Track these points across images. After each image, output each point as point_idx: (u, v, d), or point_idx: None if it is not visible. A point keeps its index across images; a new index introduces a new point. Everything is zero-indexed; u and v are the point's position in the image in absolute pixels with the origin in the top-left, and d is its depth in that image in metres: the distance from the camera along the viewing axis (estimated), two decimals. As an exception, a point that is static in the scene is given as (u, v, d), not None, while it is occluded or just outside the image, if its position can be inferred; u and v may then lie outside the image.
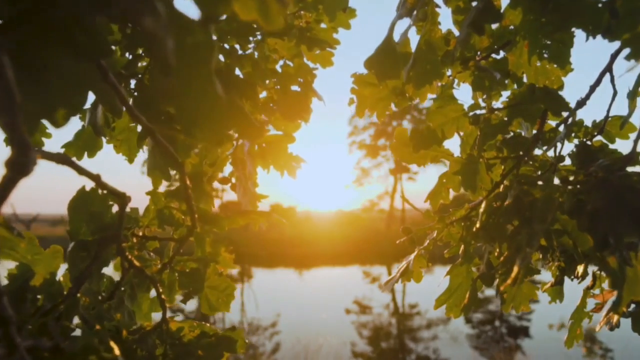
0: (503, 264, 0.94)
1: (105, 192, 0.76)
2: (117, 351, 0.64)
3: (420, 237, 1.11)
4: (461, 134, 1.13)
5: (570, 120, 1.03)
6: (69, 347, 0.62)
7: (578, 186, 0.85)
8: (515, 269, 0.74)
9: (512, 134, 1.07)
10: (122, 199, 0.78)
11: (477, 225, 0.92)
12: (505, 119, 1.07)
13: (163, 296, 0.94)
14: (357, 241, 27.93)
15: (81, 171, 0.73)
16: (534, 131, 1.13)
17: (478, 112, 1.06)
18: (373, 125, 37.87)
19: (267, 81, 1.63)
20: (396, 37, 0.97)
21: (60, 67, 0.43)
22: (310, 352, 8.75)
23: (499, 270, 0.93)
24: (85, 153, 1.19)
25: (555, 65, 0.94)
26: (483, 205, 0.94)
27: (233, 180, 1.69)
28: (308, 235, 29.65)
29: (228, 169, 1.65)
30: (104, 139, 1.21)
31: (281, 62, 1.57)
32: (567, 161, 1.12)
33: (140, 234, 1.00)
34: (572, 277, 1.27)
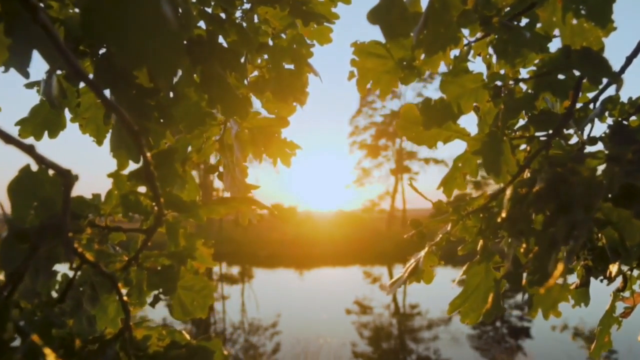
0: (533, 262, 0.78)
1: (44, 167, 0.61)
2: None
3: (432, 231, 0.96)
4: (478, 110, 0.97)
5: (607, 91, 0.88)
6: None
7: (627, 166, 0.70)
8: (560, 267, 0.59)
9: (539, 110, 0.91)
10: (67, 177, 0.63)
11: (503, 214, 0.76)
12: (531, 91, 0.91)
13: (126, 298, 0.78)
14: (358, 241, 27.78)
15: (9, 139, 0.57)
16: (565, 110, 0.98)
17: (500, 83, 0.91)
18: (374, 125, 37.71)
19: (259, 60, 1.48)
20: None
21: None
22: (311, 353, 8.60)
23: (527, 268, 0.77)
24: (46, 132, 1.04)
25: (594, 24, 0.79)
26: (508, 191, 0.78)
27: (221, 169, 1.54)
28: (308, 236, 29.51)
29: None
30: (67, 117, 1.05)
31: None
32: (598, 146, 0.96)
33: (103, 224, 0.84)
34: (602, 277, 1.12)
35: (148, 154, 0.63)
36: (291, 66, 1.38)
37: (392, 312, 13.33)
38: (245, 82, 1.36)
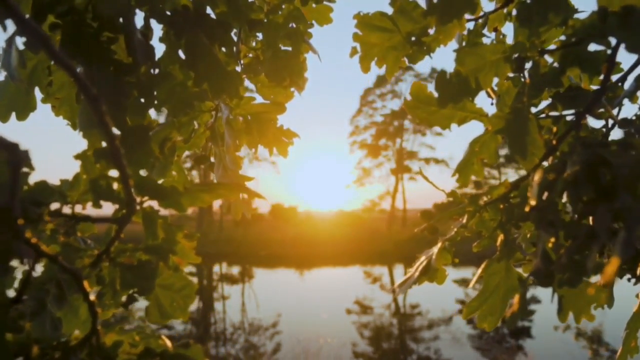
0: (565, 257, 0.67)
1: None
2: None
3: (445, 224, 0.85)
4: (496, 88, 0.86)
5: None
6: None
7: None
8: (614, 261, 0.48)
9: (565, 87, 0.81)
10: (13, 153, 0.52)
11: (532, 202, 0.65)
12: (557, 65, 0.80)
13: (94, 298, 0.67)
14: (358, 241, 27.66)
15: None
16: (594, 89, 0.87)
17: (522, 55, 0.80)
18: (374, 125, 37.58)
19: (254, 43, 1.37)
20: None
21: None
22: (311, 353, 8.49)
23: (559, 265, 0.66)
24: (13, 114, 0.93)
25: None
26: (537, 176, 0.68)
27: (213, 159, 1.43)
28: (309, 235, 29.39)
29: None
30: (38, 97, 0.94)
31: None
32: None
33: (70, 212, 0.73)
34: (630, 277, 1.01)
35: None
36: (288, 48, 1.27)
37: (393, 312, 13.22)
38: (239, 66, 1.25)
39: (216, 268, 23.62)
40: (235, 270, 22.73)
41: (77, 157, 0.71)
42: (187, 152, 1.33)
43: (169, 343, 0.72)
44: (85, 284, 0.66)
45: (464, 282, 15.45)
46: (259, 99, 1.42)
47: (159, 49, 0.98)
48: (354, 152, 39.12)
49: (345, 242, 27.49)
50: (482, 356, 9.12)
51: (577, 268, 0.71)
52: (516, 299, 0.67)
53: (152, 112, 1.01)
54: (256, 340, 10.36)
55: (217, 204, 1.33)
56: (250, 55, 1.35)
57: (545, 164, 0.83)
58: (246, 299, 15.14)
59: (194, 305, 14.46)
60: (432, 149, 36.56)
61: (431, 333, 10.82)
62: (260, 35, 1.31)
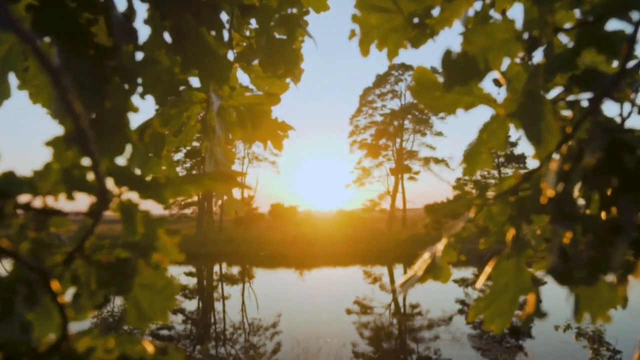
0: (584, 253, 0.61)
1: None
2: None
3: (452, 218, 0.78)
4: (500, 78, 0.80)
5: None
6: None
7: None
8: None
9: (582, 68, 0.74)
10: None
11: (550, 193, 0.59)
12: (572, 46, 0.74)
13: (63, 299, 0.61)
14: (358, 241, 27.59)
15: None
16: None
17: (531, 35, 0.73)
18: (374, 125, 37.51)
19: (248, 32, 1.31)
20: None
21: None
22: (311, 353, 8.44)
23: (579, 262, 0.60)
24: (-14, 101, 0.87)
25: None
26: (554, 164, 0.61)
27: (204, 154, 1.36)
28: (309, 235, 29.32)
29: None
30: (12, 84, 0.88)
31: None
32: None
33: (41, 206, 0.67)
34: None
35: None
36: (283, 37, 1.21)
37: (393, 312, 13.16)
38: (231, 53, 1.19)
39: (216, 268, 23.56)
40: (235, 270, 22.66)
41: (48, 143, 0.65)
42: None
43: (150, 348, 0.65)
44: (55, 283, 0.60)
45: (463, 282, 15.39)
46: (253, 91, 1.36)
47: (144, 33, 0.92)
48: (353, 152, 39.04)
49: (345, 242, 27.42)
50: (482, 356, 9.06)
51: (595, 265, 0.65)
52: (531, 299, 0.61)
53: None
54: (256, 340, 10.30)
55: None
56: (244, 45, 1.29)
57: (554, 158, 0.77)
58: (246, 299, 15.08)
59: (194, 305, 14.39)
60: (432, 149, 36.49)
61: (431, 333, 10.77)
62: (254, 23, 1.24)
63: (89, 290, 0.73)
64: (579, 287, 0.66)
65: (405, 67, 35.92)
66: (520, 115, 0.68)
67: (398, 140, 36.49)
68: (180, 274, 20.25)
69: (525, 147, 33.90)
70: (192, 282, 18.95)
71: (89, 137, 0.50)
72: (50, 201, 0.67)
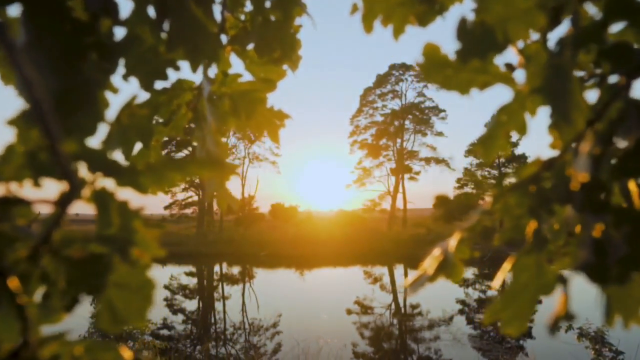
0: (620, 248, 0.53)
1: None
2: None
3: (464, 210, 0.70)
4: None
5: None
6: None
7: None
8: None
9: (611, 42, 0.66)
10: None
11: (582, 178, 0.51)
12: (599, 18, 0.66)
13: (27, 299, 0.53)
14: (358, 241, 27.50)
15: None
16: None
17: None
18: (374, 125, 37.41)
19: (242, 17, 1.23)
20: None
21: None
22: (311, 353, 8.35)
23: (617, 257, 0.52)
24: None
25: None
26: (586, 146, 0.54)
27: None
28: (309, 235, 29.23)
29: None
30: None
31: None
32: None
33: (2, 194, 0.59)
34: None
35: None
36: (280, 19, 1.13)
37: (393, 312, 13.09)
38: (223, 34, 1.11)
39: (216, 268, 23.48)
40: (235, 270, 22.59)
41: (10, 122, 0.57)
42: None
43: (127, 354, 0.58)
44: (13, 281, 0.52)
45: (463, 282, 15.30)
46: (248, 78, 1.28)
47: (127, 8, 0.84)
48: (354, 152, 38.93)
49: (345, 242, 27.33)
50: (483, 356, 8.97)
51: (628, 261, 0.57)
52: (561, 299, 0.53)
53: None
54: (256, 341, 10.24)
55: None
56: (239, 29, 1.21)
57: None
58: (246, 299, 15.01)
59: (194, 305, 14.31)
60: (433, 149, 36.34)
61: (431, 333, 10.70)
62: (249, 6, 1.17)
63: (60, 290, 0.65)
64: (611, 286, 0.58)
65: (405, 67, 35.86)
66: (546, 90, 0.60)
67: (399, 140, 36.41)
68: (180, 273, 20.20)
69: (525, 148, 33.76)
70: (192, 282, 18.89)
71: (45, 111, 0.42)
72: (13, 188, 0.59)
